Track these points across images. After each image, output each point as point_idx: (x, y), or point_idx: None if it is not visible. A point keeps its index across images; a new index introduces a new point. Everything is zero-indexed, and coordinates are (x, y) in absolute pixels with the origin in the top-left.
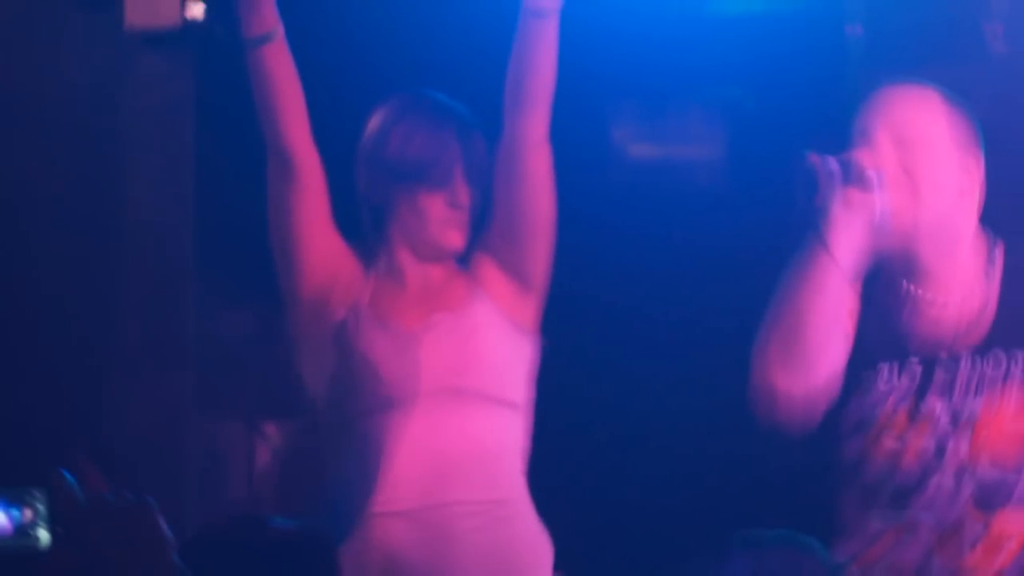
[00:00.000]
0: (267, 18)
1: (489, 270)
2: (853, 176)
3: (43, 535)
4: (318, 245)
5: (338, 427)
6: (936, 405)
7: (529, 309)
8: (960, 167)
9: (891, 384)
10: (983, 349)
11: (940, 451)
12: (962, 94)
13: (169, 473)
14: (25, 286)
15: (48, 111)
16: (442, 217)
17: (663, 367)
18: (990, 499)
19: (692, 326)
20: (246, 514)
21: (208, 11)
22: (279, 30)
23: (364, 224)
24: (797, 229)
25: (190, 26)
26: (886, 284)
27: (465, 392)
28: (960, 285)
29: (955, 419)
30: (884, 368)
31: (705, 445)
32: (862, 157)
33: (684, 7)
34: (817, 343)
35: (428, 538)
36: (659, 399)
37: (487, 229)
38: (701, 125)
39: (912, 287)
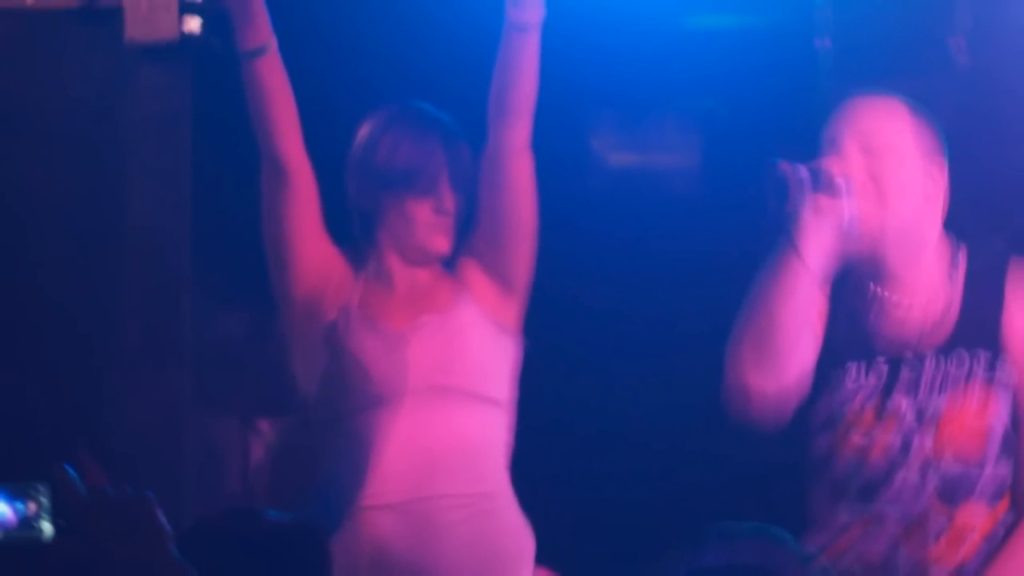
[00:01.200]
0: (261, 32)
1: (474, 273)
2: (822, 183)
3: (46, 527)
4: (310, 249)
5: (329, 424)
6: (902, 402)
7: (512, 310)
8: (924, 174)
9: (859, 382)
10: (947, 349)
11: (906, 447)
12: (927, 104)
13: (167, 468)
14: (29, 289)
15: (51, 120)
16: (429, 222)
17: (641, 366)
18: (954, 493)
19: (668, 326)
20: (241, 507)
21: (205, 25)
22: (273, 44)
23: (354, 229)
24: (769, 234)
25: (187, 40)
26: (854, 287)
27: (451, 390)
28: (925, 287)
29: (920, 416)
30: (852, 367)
31: (681, 441)
32: (831, 165)
33: (662, 22)
34: (788, 343)
35: (415, 530)
36: (637, 397)
37: (472, 234)
38: (677, 134)
39: (879, 289)
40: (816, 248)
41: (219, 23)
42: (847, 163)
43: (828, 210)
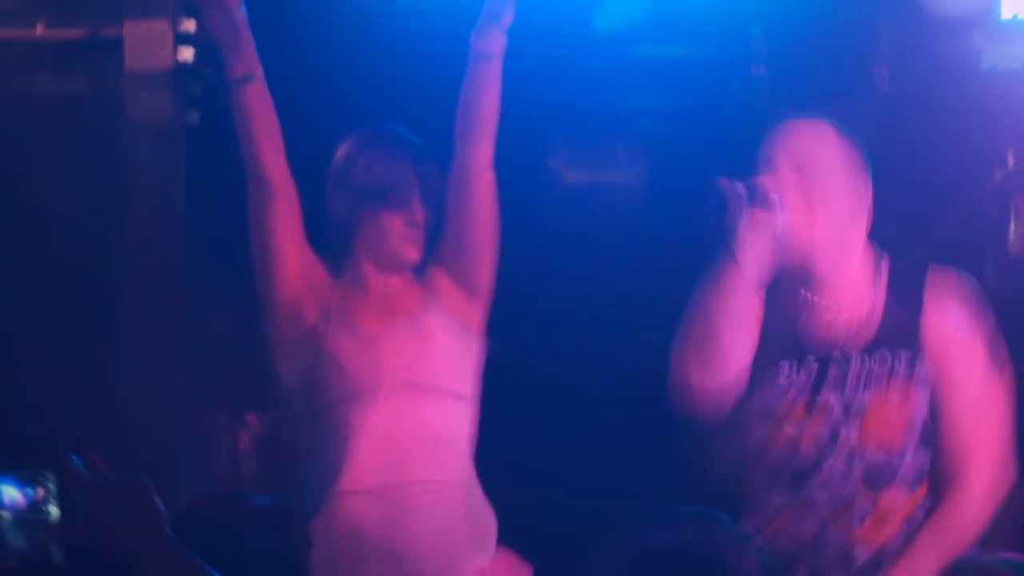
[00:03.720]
0: (248, 62)
1: (441, 280)
2: (758, 198)
3: (53, 510)
4: (292, 257)
5: (309, 417)
6: (830, 397)
7: (476, 313)
8: (850, 190)
9: (791, 379)
10: (871, 348)
11: (833, 437)
12: (852, 126)
13: (163, 457)
14: (36, 295)
15: (57, 139)
16: (401, 234)
17: (592, 364)
18: (877, 479)
19: (617, 327)
20: (229, 492)
21: (197, 55)
22: (259, 71)
23: (332, 239)
24: (710, 244)
25: (182, 67)
26: (787, 292)
27: (420, 386)
28: (851, 293)
29: (847, 409)
30: (785, 365)
31: (628, 432)
32: (765, 182)
33: (613, 51)
34: (726, 344)
35: (388, 513)
36: (589, 393)
37: (440, 244)
38: (626, 153)
39: (809, 294)
40: (752, 257)
41: (210, 53)
42: (780, 180)
43: (763, 223)
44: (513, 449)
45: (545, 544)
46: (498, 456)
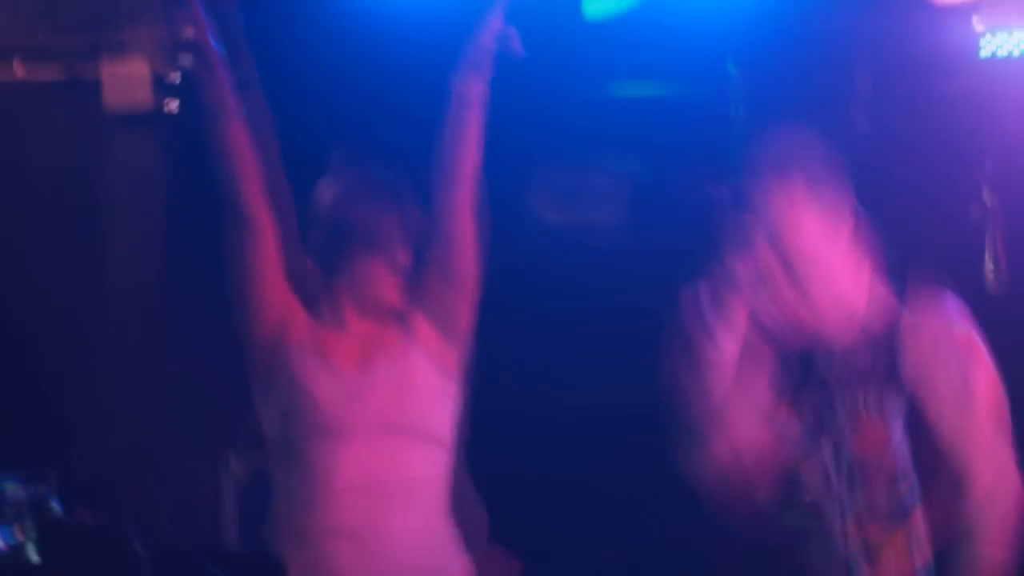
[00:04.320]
0: (228, 100)
1: (421, 323)
2: (742, 202)
3: (32, 554)
4: (271, 293)
5: (285, 454)
6: (813, 395)
7: (454, 357)
8: (833, 193)
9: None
10: (852, 350)
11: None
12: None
13: (143, 499)
14: (17, 337)
15: (39, 177)
16: (383, 278)
17: (574, 404)
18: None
19: (599, 374)
20: (209, 541)
21: (176, 94)
22: (239, 109)
23: (311, 277)
24: (688, 278)
25: (160, 107)
26: (772, 291)
27: (398, 428)
28: (834, 293)
29: (827, 413)
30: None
31: (617, 472)
32: (749, 186)
33: (592, 93)
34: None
35: (366, 558)
36: (573, 432)
37: (421, 287)
38: (605, 192)
39: (793, 294)
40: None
41: (190, 92)
42: (764, 184)
43: (748, 226)
44: (491, 496)
45: None
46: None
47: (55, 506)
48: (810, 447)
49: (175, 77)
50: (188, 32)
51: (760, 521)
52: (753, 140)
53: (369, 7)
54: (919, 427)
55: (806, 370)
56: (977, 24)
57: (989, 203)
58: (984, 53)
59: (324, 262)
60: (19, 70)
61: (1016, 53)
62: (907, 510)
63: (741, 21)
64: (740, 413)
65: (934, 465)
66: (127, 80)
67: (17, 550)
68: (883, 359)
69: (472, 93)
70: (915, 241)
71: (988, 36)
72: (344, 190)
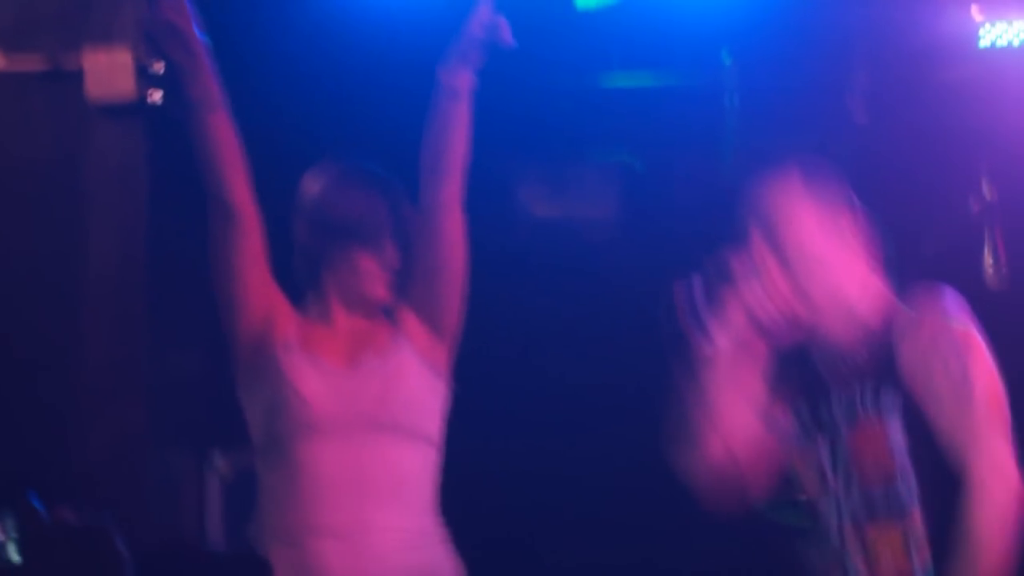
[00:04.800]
0: (210, 88)
1: (410, 319)
2: (728, 275)
3: (13, 554)
4: (256, 287)
5: (271, 451)
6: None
7: (443, 354)
8: (829, 237)
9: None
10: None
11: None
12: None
13: (127, 497)
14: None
15: (19, 171)
16: (372, 273)
17: (564, 409)
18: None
19: (590, 367)
20: (193, 542)
21: (161, 84)
22: (223, 99)
23: (299, 271)
24: (679, 276)
25: (147, 105)
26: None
27: (386, 425)
28: (828, 290)
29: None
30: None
31: (604, 471)
32: (734, 257)
33: (583, 84)
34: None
35: (353, 559)
36: (561, 437)
37: (409, 282)
38: (596, 186)
39: (788, 292)
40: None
41: (173, 82)
42: (753, 249)
43: (738, 298)
44: (477, 497)
45: None
46: (462, 504)
47: (36, 505)
48: (806, 445)
49: (159, 67)
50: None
51: (755, 520)
52: (748, 133)
53: None
54: (917, 424)
55: (802, 366)
56: (976, 14)
57: (988, 196)
58: (983, 43)
59: (311, 256)
60: None
61: (1016, 43)
62: (905, 509)
63: (735, 10)
64: (734, 410)
65: (932, 463)
66: (110, 70)
67: None
68: (880, 355)
69: (460, 85)
70: (913, 235)
71: (987, 26)
72: (331, 182)
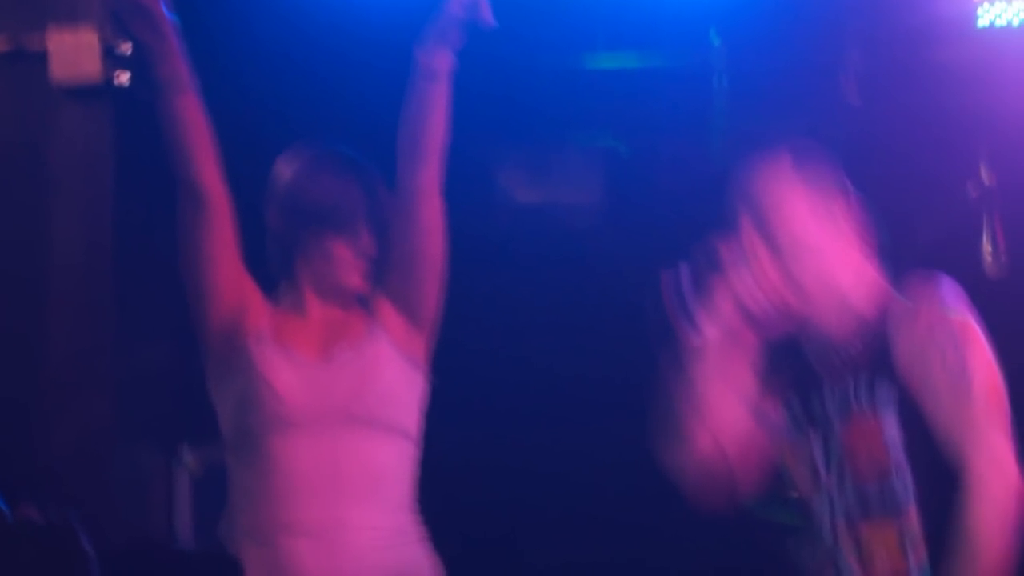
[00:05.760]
0: (179, 70)
1: (386, 309)
2: (717, 265)
3: None
4: (226, 276)
5: (243, 447)
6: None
7: (421, 346)
8: (821, 224)
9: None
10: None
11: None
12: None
13: (92, 495)
14: None
15: None
16: (347, 261)
17: (545, 400)
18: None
19: (572, 357)
20: (161, 540)
21: (128, 66)
22: (192, 81)
23: (271, 259)
24: (666, 264)
25: (114, 87)
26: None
27: (361, 419)
28: (821, 279)
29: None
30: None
31: (587, 464)
32: (723, 245)
33: (564, 64)
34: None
35: (328, 559)
36: (543, 431)
37: (386, 271)
38: (579, 170)
39: (779, 281)
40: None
41: (141, 64)
42: (743, 238)
43: (728, 287)
44: (456, 494)
45: None
46: (440, 502)
47: None
48: (798, 440)
49: (126, 48)
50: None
51: (744, 518)
52: (737, 116)
53: None
54: (913, 419)
55: (793, 358)
56: None
57: (987, 181)
58: (982, 22)
59: (283, 244)
60: None
61: (1015, 23)
62: (901, 506)
63: None
64: (723, 404)
65: (929, 459)
66: (75, 51)
67: None
68: (875, 347)
69: (439, 65)
70: (909, 222)
71: (986, 5)
72: (305, 167)
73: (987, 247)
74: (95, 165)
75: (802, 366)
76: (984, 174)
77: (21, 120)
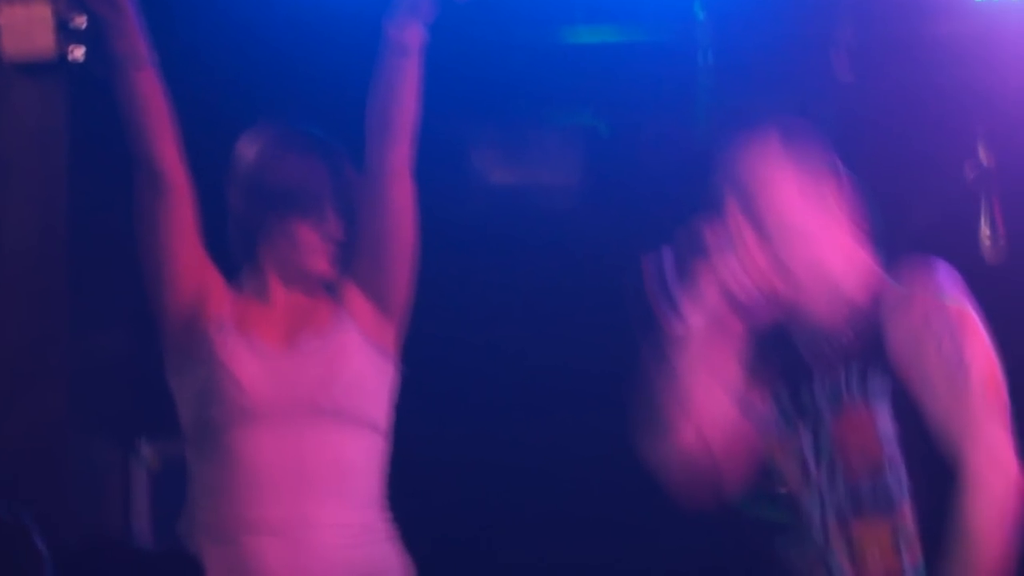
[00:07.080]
0: (136, 45)
1: (354, 296)
2: (702, 247)
3: None
4: (186, 261)
5: (204, 441)
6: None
7: (390, 334)
8: (809, 205)
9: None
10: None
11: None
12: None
13: (46, 491)
14: None
15: None
16: (313, 246)
17: (519, 389)
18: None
19: (548, 345)
20: (117, 538)
21: (83, 40)
22: (150, 56)
23: (233, 243)
24: (648, 245)
25: (68, 63)
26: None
27: (328, 411)
28: (810, 264)
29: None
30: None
31: (558, 469)
32: (708, 227)
33: (541, 37)
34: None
35: (292, 557)
36: (516, 422)
37: (354, 256)
38: (556, 149)
39: (767, 265)
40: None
41: (98, 39)
42: (729, 219)
43: (713, 269)
44: (426, 488)
45: None
46: (410, 496)
47: None
48: (786, 433)
49: (80, 22)
50: None
51: (731, 516)
52: (722, 91)
53: None
54: (907, 411)
55: (782, 348)
56: None
57: (985, 162)
58: None
59: (246, 227)
60: None
61: None
62: (894, 503)
63: None
64: (708, 395)
65: (924, 453)
66: (27, 25)
67: None
68: (867, 335)
69: (410, 40)
70: (903, 204)
71: None
72: (268, 146)
73: (985, 231)
74: (48, 144)
75: (791, 356)
76: (982, 154)
77: None
